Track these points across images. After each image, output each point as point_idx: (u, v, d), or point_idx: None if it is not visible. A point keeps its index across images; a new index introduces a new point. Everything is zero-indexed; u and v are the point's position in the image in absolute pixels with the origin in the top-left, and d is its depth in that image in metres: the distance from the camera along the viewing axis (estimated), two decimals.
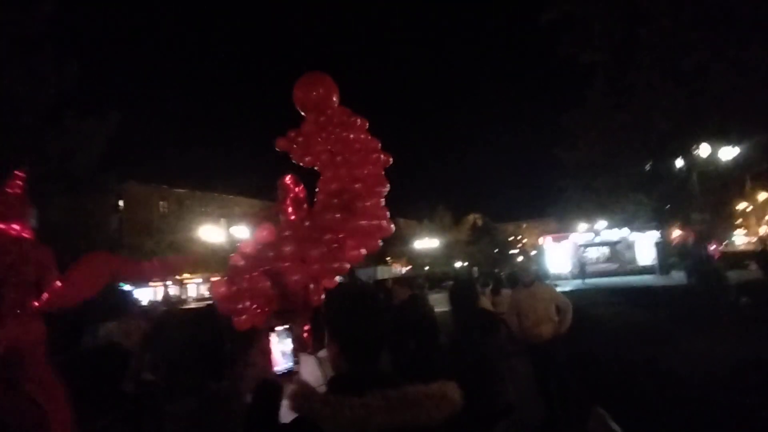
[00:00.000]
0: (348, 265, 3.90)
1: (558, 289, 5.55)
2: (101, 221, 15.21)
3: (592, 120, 18.86)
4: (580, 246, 26.72)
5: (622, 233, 26.09)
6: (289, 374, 1.44)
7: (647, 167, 20.96)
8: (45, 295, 2.91)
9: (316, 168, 4.13)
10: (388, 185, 4.16)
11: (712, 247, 14.37)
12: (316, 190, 4.03)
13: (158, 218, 37.29)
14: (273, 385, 1.43)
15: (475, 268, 36.30)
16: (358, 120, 4.03)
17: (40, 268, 2.91)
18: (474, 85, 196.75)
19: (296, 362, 1.45)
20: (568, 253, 26.74)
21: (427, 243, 46.12)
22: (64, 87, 12.21)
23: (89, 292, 3.09)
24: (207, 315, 7.63)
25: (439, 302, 5.59)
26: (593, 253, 26.87)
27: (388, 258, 46.31)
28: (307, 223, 3.62)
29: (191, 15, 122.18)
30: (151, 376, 4.99)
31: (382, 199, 4.07)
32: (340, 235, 3.50)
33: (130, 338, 5.10)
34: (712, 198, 19.85)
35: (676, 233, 28.74)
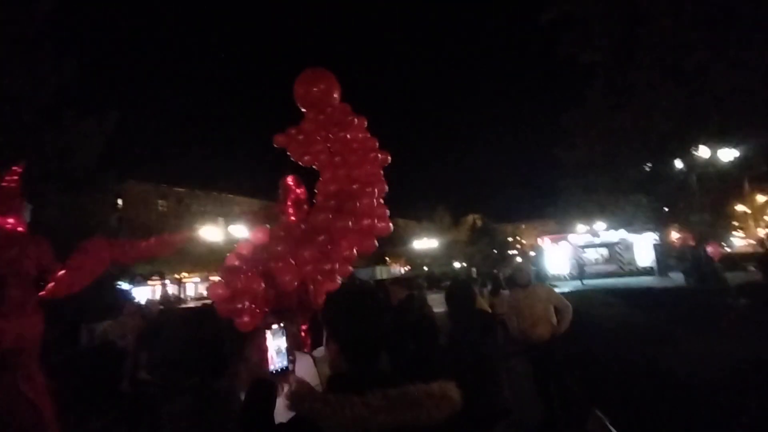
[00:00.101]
0: (350, 267, 3.89)
1: (556, 290, 5.52)
2: (100, 220, 15.16)
3: (592, 120, 18.82)
4: (579, 247, 26.73)
5: (621, 234, 26.09)
6: (284, 373, 1.43)
7: (647, 168, 20.94)
8: (50, 285, 2.98)
9: (314, 167, 4.12)
10: (386, 185, 4.14)
11: (711, 249, 14.35)
12: (315, 191, 4.02)
13: (157, 217, 37.31)
14: (267, 383, 1.43)
15: (474, 269, 36.32)
16: (356, 119, 4.01)
17: (40, 261, 2.96)
18: (474, 85, 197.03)
19: (291, 361, 1.44)
20: (566, 254, 26.74)
21: (426, 243, 46.10)
22: (62, 85, 12.19)
23: (92, 277, 3.17)
24: (206, 314, 7.64)
25: (438, 302, 5.58)
26: (592, 254, 26.86)
27: (387, 258, 46.31)
28: (301, 225, 3.60)
29: (191, 14, 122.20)
30: (147, 375, 4.97)
31: (380, 199, 4.06)
32: (333, 236, 3.48)
33: (126, 337, 5.08)
34: (711, 200, 19.86)
35: (675, 235, 28.77)
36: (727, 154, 15.04)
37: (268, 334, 1.44)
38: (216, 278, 3.33)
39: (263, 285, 3.05)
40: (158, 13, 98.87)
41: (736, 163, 16.23)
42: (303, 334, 3.35)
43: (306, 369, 2.33)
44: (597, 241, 26.75)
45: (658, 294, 13.28)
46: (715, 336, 7.27)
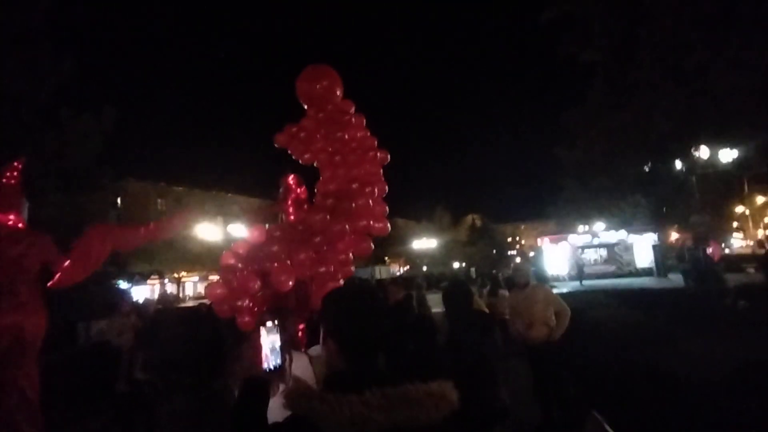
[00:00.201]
0: (352, 268, 3.88)
1: (555, 291, 5.50)
2: (99, 219, 15.15)
3: (592, 119, 18.80)
4: (578, 247, 26.74)
5: (620, 235, 26.13)
6: (278, 371, 1.42)
7: (646, 168, 20.96)
8: (57, 275, 3.06)
9: (315, 164, 4.10)
10: (386, 184, 4.12)
11: (712, 249, 14.35)
12: (315, 190, 4.00)
13: (156, 216, 37.23)
14: (261, 382, 1.41)
15: (473, 269, 36.35)
16: (353, 118, 3.99)
17: (44, 255, 3.03)
18: (474, 84, 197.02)
19: (286, 359, 1.43)
20: (565, 254, 26.75)
21: (425, 243, 46.11)
22: (60, 84, 12.16)
23: (97, 265, 3.25)
24: (204, 314, 7.63)
25: (437, 302, 5.56)
26: (591, 255, 26.87)
27: (386, 258, 46.31)
28: (298, 226, 3.59)
29: (190, 12, 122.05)
30: (144, 375, 4.94)
31: (380, 198, 4.04)
32: (329, 238, 3.46)
33: (122, 337, 5.05)
34: (710, 200, 19.88)
35: (674, 236, 28.80)
36: (727, 155, 15.04)
37: (263, 331, 1.43)
38: (215, 277, 3.32)
39: (259, 284, 3.04)
40: (157, 12, 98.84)
41: (735, 164, 16.24)
42: (300, 333, 3.33)
43: (302, 368, 2.31)
44: (596, 241, 26.76)
45: (657, 295, 13.27)
46: (714, 337, 7.27)
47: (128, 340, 4.99)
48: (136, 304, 5.63)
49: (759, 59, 9.77)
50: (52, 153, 11.90)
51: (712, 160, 15.47)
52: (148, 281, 32.27)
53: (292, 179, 4.02)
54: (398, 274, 41.21)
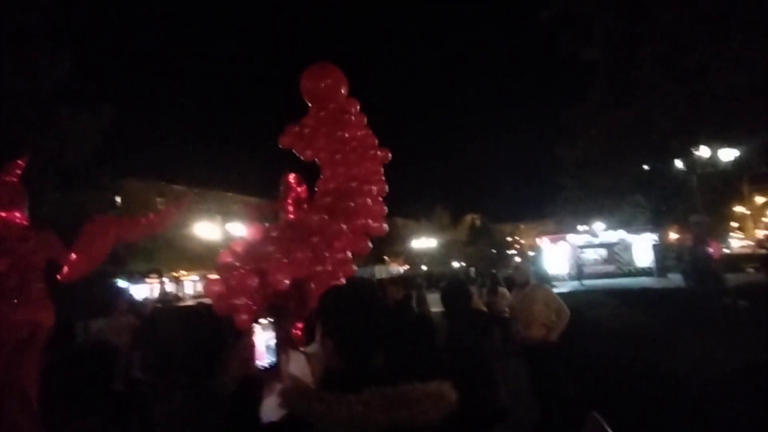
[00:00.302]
0: (354, 267, 3.88)
1: (555, 291, 5.48)
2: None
3: (592, 118, 18.78)
4: (578, 247, 26.75)
5: (620, 235, 26.14)
6: (273, 370, 1.40)
7: (646, 168, 20.95)
8: (65, 269, 3.15)
9: (316, 161, 4.10)
10: (386, 184, 4.10)
11: (712, 248, 14.32)
12: (316, 189, 3.99)
13: None
14: (254, 380, 1.39)
15: (472, 269, 36.34)
16: (354, 117, 3.98)
17: (50, 251, 3.12)
18: (473, 83, 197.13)
19: (282, 358, 1.41)
20: (565, 254, 26.76)
21: (424, 243, 46.12)
22: (59, 81, 12.13)
23: (102, 257, 3.34)
24: (201, 312, 7.61)
25: (436, 302, 5.55)
26: (591, 255, 26.88)
27: (385, 257, 46.32)
28: (296, 225, 3.59)
29: (190, 11, 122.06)
30: (141, 374, 4.92)
31: (380, 197, 4.02)
32: (326, 238, 3.46)
33: (120, 335, 5.03)
34: (710, 200, 19.87)
35: (674, 235, 28.82)
36: (727, 154, 15.01)
37: (258, 328, 1.41)
38: (213, 276, 3.32)
39: (258, 282, 3.04)
40: (157, 11, 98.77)
41: (735, 164, 16.23)
42: (299, 332, 3.32)
43: (299, 366, 2.30)
44: (596, 241, 26.78)
45: (656, 295, 13.25)
46: (713, 337, 7.26)
47: (126, 339, 4.97)
48: (133, 303, 5.61)
49: (760, 58, 9.75)
50: (51, 151, 11.86)
51: (712, 160, 15.45)
52: (147, 280, 32.28)
53: (293, 178, 4.01)
54: (399, 273, 41.23)
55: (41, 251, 3.04)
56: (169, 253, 30.50)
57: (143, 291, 27.60)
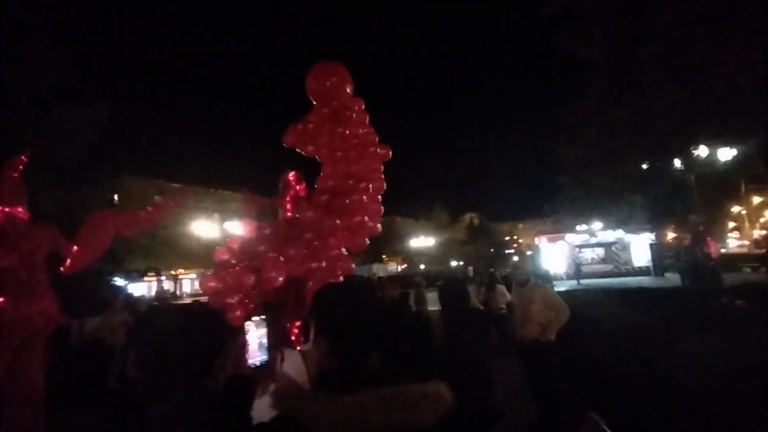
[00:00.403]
0: (353, 265, 3.86)
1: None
2: None
3: (592, 116, 18.76)
4: (576, 246, 26.78)
5: (618, 234, 26.18)
6: (265, 368, 1.38)
7: (645, 167, 20.96)
8: (67, 261, 3.24)
9: (317, 158, 4.09)
10: (384, 182, 4.09)
11: (711, 246, 14.35)
12: (315, 186, 3.99)
13: None
14: (245, 379, 1.37)
15: (471, 268, 36.36)
16: (356, 114, 3.97)
17: (52, 244, 3.21)
18: (471, 81, 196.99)
19: (276, 356, 1.39)
20: (563, 253, 26.80)
21: (423, 241, 46.13)
22: (55, 77, 12.08)
23: (103, 249, 3.44)
24: (198, 310, 7.58)
25: (434, 301, 5.53)
26: (588, 254, 26.93)
27: (383, 256, 46.32)
28: (291, 222, 3.58)
29: (187, 8, 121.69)
30: (136, 373, 4.89)
31: (377, 196, 4.01)
32: (321, 234, 3.44)
33: (115, 334, 5.00)
34: (708, 199, 19.91)
35: (671, 235, 28.87)
36: (725, 154, 15.03)
37: (251, 325, 1.39)
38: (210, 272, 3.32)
39: (254, 279, 3.02)
40: (154, 7, 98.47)
41: (733, 163, 16.26)
42: (296, 330, 3.30)
43: (294, 365, 2.28)
44: (594, 240, 26.82)
45: (654, 294, 13.26)
46: (711, 336, 7.26)
47: (121, 337, 4.94)
48: (128, 301, 5.58)
49: (759, 58, 9.75)
50: (48, 148, 11.81)
51: (710, 159, 15.47)
52: (145, 278, 32.21)
53: (293, 176, 4.00)
54: (396, 272, 41.24)
55: (45, 245, 3.13)
56: (168, 252, 30.45)
57: (141, 289, 27.54)
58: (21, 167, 3.30)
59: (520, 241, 68.12)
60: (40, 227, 3.21)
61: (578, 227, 29.34)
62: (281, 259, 3.14)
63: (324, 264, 3.48)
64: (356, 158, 3.89)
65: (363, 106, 4.07)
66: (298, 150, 4.09)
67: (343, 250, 3.76)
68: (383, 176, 4.10)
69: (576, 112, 20.53)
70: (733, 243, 33.16)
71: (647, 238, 25.45)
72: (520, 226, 74.66)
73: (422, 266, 46.18)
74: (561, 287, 18.14)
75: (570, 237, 27.52)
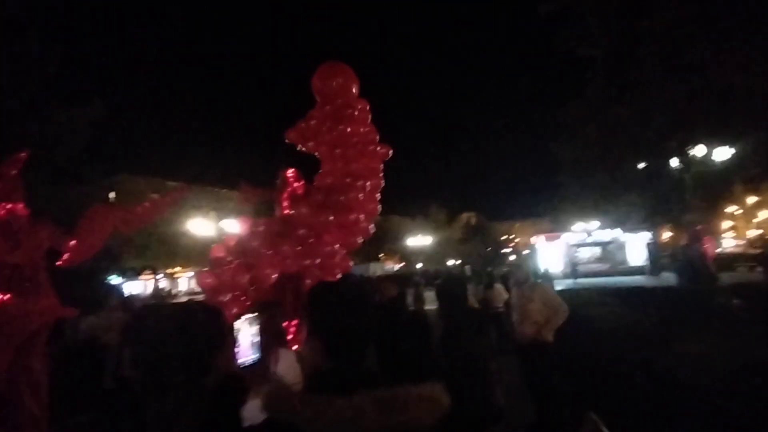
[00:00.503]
0: (351, 263, 3.85)
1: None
2: None
3: (590, 115, 18.77)
4: (572, 246, 26.83)
5: (614, 233, 26.24)
6: (256, 367, 1.34)
7: (642, 166, 21.00)
8: (65, 255, 3.26)
9: (317, 155, 4.09)
10: (382, 180, 4.07)
11: (707, 245, 14.37)
12: (314, 184, 3.98)
13: None
14: (236, 379, 1.33)
15: (468, 267, 36.40)
16: (357, 113, 3.97)
17: (51, 241, 3.22)
18: (470, 80, 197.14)
19: (270, 356, 1.36)
20: (560, 252, 26.84)
21: (420, 240, 46.15)
22: (49, 74, 12.01)
23: (100, 244, 3.48)
24: (194, 309, 7.54)
25: (432, 300, 5.51)
26: (585, 253, 26.98)
27: (381, 255, 46.34)
28: (283, 218, 3.57)
29: (184, 5, 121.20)
30: (132, 372, 4.85)
31: (374, 194, 3.99)
32: (315, 231, 3.43)
33: (110, 332, 4.96)
34: (705, 199, 19.97)
35: (668, 234, 28.98)
36: (722, 154, 15.06)
37: (243, 323, 1.35)
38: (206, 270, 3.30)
39: (249, 277, 3.00)
40: (150, 5, 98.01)
41: (729, 163, 16.30)
42: (294, 329, 3.28)
43: (289, 365, 2.25)
44: (590, 239, 26.87)
45: (650, 293, 13.28)
46: (708, 336, 7.28)
47: (117, 336, 4.90)
48: (123, 299, 5.53)
49: (759, 57, 9.76)
50: (43, 146, 11.73)
51: (707, 159, 15.50)
52: (141, 277, 32.10)
53: (291, 173, 3.99)
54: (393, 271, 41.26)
55: (45, 241, 3.16)
56: (164, 250, 30.34)
57: (137, 288, 27.43)
58: (20, 165, 3.30)
59: (517, 240, 68.25)
60: (38, 224, 3.24)
61: (575, 226, 29.40)
62: (272, 255, 3.12)
63: (319, 261, 3.46)
64: (356, 156, 3.88)
65: (367, 107, 4.08)
66: (299, 147, 4.09)
67: (338, 247, 3.74)
68: (381, 175, 4.09)
69: (574, 111, 20.55)
70: (729, 242, 33.33)
71: (644, 237, 25.51)
72: (518, 225, 74.79)
73: (419, 265, 46.21)
74: (558, 286, 18.18)
75: (567, 236, 27.57)
